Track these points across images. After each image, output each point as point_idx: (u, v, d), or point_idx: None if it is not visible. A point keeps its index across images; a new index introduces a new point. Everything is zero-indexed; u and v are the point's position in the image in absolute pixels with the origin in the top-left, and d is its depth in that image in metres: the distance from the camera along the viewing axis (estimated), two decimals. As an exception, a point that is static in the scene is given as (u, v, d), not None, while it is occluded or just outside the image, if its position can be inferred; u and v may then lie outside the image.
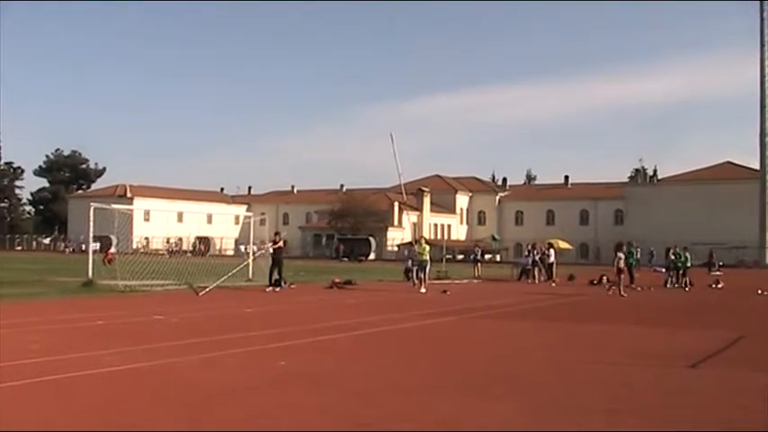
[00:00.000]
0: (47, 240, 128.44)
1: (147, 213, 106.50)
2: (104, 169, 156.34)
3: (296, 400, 9.46)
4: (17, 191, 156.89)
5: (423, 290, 31.60)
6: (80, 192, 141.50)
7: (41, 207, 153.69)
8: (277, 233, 33.07)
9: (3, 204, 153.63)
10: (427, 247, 34.43)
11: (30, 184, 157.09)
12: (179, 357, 12.62)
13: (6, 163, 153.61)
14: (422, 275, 33.08)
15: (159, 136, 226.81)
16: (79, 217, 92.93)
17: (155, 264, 32.81)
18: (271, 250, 31.73)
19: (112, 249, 44.46)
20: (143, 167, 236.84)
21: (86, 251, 32.06)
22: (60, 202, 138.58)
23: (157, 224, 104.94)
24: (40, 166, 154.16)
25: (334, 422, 8.44)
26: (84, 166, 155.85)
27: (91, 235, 31.39)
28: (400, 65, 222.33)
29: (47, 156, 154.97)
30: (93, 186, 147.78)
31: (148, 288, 28.71)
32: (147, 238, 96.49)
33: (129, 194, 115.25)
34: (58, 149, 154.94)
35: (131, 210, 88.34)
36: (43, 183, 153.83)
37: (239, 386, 10.31)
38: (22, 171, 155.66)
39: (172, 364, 12.04)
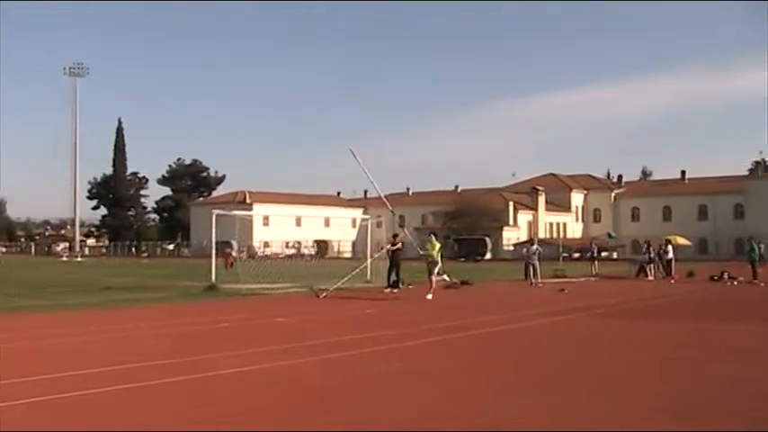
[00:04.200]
0: (170, 246, 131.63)
1: (266, 218, 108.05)
2: (224, 177, 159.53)
3: (410, 401, 9.53)
4: (142, 200, 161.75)
5: (429, 296, 26.79)
6: (201, 199, 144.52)
7: (165, 214, 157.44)
8: (395, 235, 33.18)
9: (129, 213, 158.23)
10: (437, 245, 29.95)
11: (154, 193, 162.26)
12: (300, 359, 12.80)
13: (132, 173, 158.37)
14: (432, 278, 28.30)
15: (276, 142, 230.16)
16: (201, 223, 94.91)
17: (275, 267, 33.31)
18: (390, 252, 31.85)
19: (233, 253, 45.30)
20: (261, 174, 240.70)
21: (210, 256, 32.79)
22: (183, 210, 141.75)
23: (276, 229, 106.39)
24: (163, 176, 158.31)
25: (445, 423, 8.48)
26: (204, 174, 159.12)
27: (213, 240, 32.18)
28: (515, 64, 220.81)
29: (169, 165, 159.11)
30: (214, 193, 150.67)
31: (270, 291, 29.16)
32: (266, 243, 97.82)
33: (248, 200, 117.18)
34: (179, 159, 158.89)
35: (251, 215, 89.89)
36: (166, 191, 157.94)
37: (356, 387, 10.49)
38: (147, 180, 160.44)
39: (293, 366, 12.23)
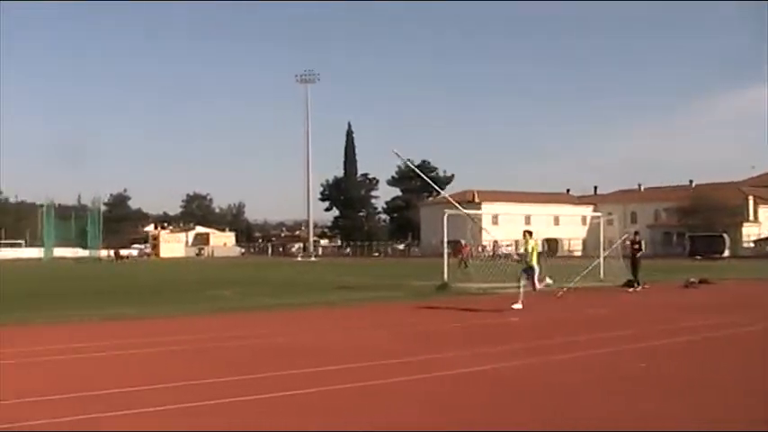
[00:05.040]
0: (401, 246, 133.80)
1: (494, 217, 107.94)
2: (452, 176, 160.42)
3: (647, 407, 9.12)
4: (372, 200, 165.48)
5: (517, 305, 21.48)
6: (430, 199, 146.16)
7: (395, 215, 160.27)
8: (636, 233, 32.61)
9: (360, 214, 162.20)
10: (532, 243, 23.39)
11: (384, 194, 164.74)
12: (532, 359, 12.62)
13: (362, 175, 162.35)
14: (523, 283, 22.55)
15: (504, 140, 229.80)
16: (430, 223, 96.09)
17: (505, 266, 33.06)
18: (629, 250, 31.28)
19: (466, 250, 45.36)
20: (489, 172, 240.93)
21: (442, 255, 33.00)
22: (412, 210, 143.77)
23: (505, 228, 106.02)
24: (392, 177, 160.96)
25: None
26: (433, 174, 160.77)
27: (445, 240, 32.36)
28: (751, 53, 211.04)
29: (398, 166, 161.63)
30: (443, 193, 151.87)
31: (501, 290, 28.93)
32: (496, 242, 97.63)
33: (476, 200, 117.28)
34: (408, 160, 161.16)
35: (480, 214, 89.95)
36: (396, 192, 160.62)
37: (594, 388, 10.22)
38: (377, 182, 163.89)
39: (530, 366, 12.04)
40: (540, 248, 23.25)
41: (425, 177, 38.46)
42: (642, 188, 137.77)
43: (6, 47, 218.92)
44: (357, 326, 18.51)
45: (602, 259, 34.63)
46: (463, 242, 46.19)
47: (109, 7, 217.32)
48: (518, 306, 21.40)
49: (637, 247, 30.93)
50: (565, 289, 27.51)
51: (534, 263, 22.72)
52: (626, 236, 33.09)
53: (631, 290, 29.16)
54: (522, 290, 22.09)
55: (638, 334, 15.97)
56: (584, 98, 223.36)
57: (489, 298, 26.80)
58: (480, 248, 57.36)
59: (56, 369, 12.16)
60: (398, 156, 31.75)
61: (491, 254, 58.45)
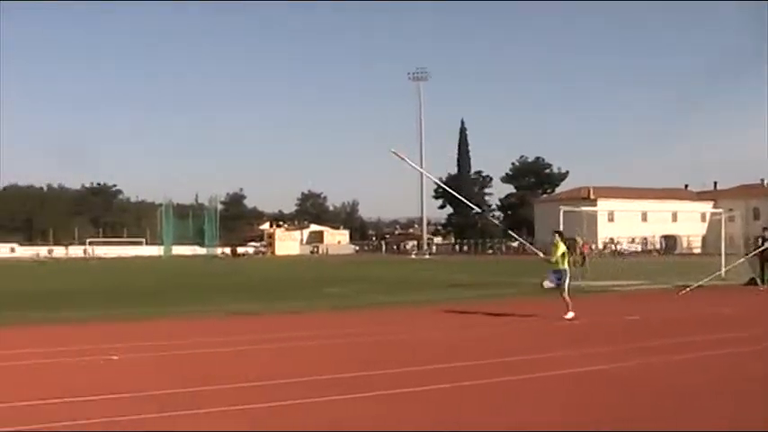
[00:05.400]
0: (515, 244, 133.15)
1: (610, 214, 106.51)
2: (567, 173, 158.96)
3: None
4: (486, 198, 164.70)
5: (569, 314, 18.77)
6: (545, 196, 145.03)
7: (509, 212, 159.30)
8: (765, 228, 31.77)
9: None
10: (561, 247, 19.87)
11: (498, 191, 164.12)
12: (655, 358, 12.39)
13: (476, 172, 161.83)
14: (565, 294, 19.47)
15: (619, 135, 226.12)
16: (545, 220, 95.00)
17: (623, 263, 32.66)
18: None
19: (584, 248, 44.87)
20: (605, 168, 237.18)
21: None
22: (526, 207, 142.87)
23: (621, 224, 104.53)
24: (506, 174, 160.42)
25: None
26: (547, 170, 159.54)
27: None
28: None
29: (512, 163, 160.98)
30: (557, 190, 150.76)
31: (619, 288, 28.56)
32: (611, 239, 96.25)
33: (592, 196, 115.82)
34: (522, 156, 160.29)
35: (596, 211, 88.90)
36: (510, 189, 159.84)
37: (717, 389, 10.02)
38: (491, 179, 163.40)
39: (649, 365, 11.86)
40: (566, 250, 20.02)
41: (432, 178, 37.72)
42: (765, 183, 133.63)
43: (131, 44, 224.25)
44: (472, 323, 18.45)
45: (723, 258, 33.69)
46: (580, 240, 45.66)
47: (229, 7, 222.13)
48: (570, 315, 18.71)
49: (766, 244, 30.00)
50: (688, 288, 26.99)
51: (565, 265, 19.77)
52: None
53: (756, 288, 28.43)
54: (568, 299, 19.28)
55: (764, 334, 15.59)
56: (703, 91, 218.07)
57: (607, 296, 26.49)
58: (593, 246, 56.59)
59: (182, 364, 12.48)
60: (398, 156, 30.81)
61: (612, 251, 57.68)
